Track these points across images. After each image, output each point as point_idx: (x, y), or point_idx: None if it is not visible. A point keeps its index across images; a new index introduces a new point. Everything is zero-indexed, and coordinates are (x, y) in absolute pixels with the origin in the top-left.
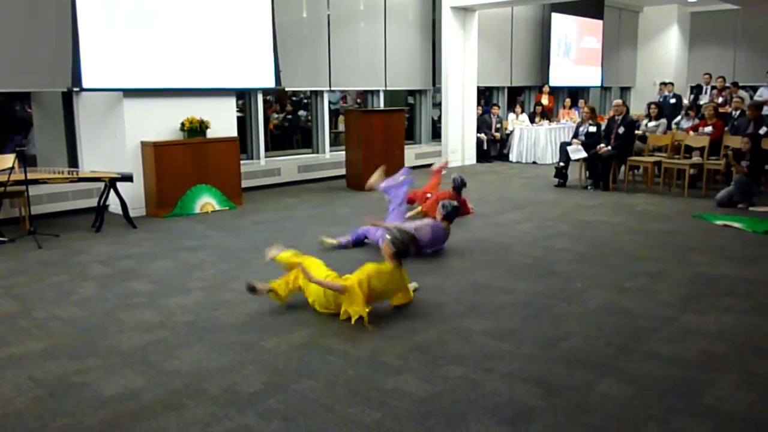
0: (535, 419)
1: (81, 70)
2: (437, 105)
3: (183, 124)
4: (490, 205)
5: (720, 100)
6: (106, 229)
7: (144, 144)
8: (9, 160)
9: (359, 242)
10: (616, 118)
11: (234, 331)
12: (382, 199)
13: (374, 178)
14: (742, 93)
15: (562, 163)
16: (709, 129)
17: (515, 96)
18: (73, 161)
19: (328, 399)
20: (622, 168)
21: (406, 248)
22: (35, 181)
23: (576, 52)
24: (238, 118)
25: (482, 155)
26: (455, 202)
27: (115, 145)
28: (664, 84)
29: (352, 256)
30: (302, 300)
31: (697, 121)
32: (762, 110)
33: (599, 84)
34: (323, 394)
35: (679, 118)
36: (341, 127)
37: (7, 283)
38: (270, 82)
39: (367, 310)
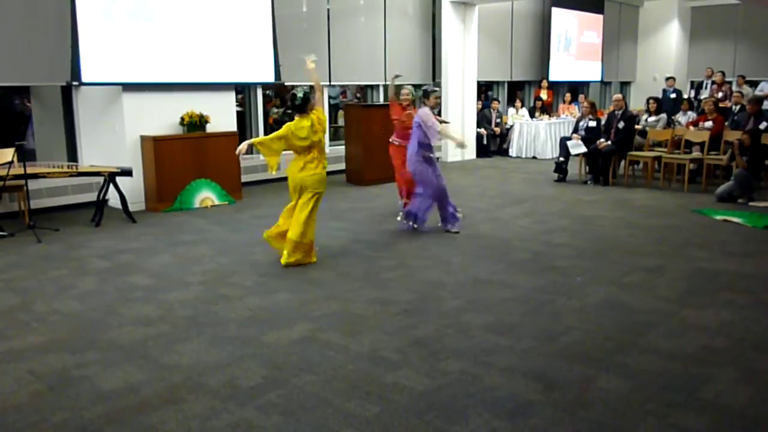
0: (534, 413)
1: (80, 64)
2: None
3: (183, 119)
4: (490, 200)
5: (720, 95)
6: (105, 223)
7: (143, 138)
8: (8, 154)
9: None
10: (616, 112)
11: (233, 325)
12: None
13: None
14: (746, 88)
15: (561, 158)
16: (709, 124)
17: (515, 91)
18: (72, 155)
19: (327, 393)
20: (622, 163)
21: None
22: (35, 176)
23: (576, 46)
24: (238, 112)
25: (482, 150)
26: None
27: (114, 140)
28: (667, 79)
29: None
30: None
31: (690, 114)
32: (762, 105)
33: (599, 79)
34: (323, 389)
35: (680, 114)
36: (341, 122)
37: (7, 277)
38: (270, 77)
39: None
